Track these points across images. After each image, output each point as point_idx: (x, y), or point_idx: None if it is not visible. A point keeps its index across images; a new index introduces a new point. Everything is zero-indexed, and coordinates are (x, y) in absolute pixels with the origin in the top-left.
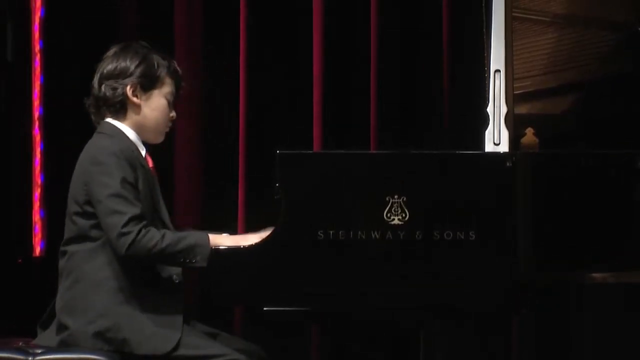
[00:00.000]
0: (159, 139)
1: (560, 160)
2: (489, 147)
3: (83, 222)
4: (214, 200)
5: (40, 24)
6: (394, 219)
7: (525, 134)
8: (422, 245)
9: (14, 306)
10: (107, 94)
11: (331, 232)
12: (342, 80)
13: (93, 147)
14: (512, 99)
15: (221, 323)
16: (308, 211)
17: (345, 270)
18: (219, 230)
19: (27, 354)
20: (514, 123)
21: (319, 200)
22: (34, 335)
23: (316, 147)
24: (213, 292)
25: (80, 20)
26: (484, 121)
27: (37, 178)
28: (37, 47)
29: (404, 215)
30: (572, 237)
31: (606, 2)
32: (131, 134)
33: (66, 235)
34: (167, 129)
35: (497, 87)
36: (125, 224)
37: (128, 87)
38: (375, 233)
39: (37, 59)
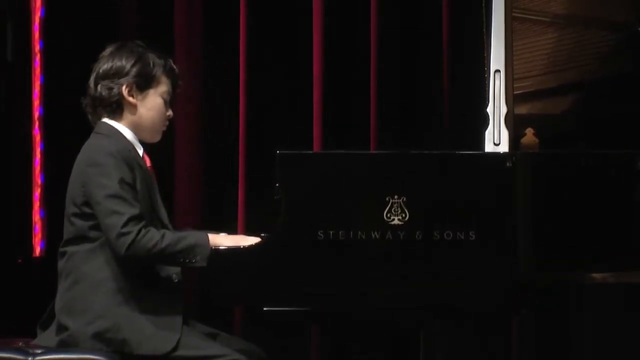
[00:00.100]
0: (156, 138)
1: (560, 160)
2: (489, 147)
3: (81, 223)
4: (214, 200)
5: (40, 24)
6: (394, 219)
7: (525, 134)
8: (422, 246)
9: (14, 306)
10: (103, 94)
11: (331, 232)
12: (342, 81)
13: (90, 147)
14: (512, 99)
15: (221, 323)
16: (308, 211)
17: (345, 270)
18: (219, 230)
19: (27, 354)
20: (514, 123)
21: (319, 200)
22: (34, 335)
23: (316, 147)
24: (213, 292)
25: (80, 20)
26: (484, 121)
27: (37, 178)
28: (37, 47)
29: (404, 215)
30: (572, 237)
31: (606, 2)
32: (128, 133)
33: (65, 236)
34: (164, 128)
35: (497, 87)
36: (125, 224)
37: (124, 87)
38: (375, 233)
39: (37, 59)
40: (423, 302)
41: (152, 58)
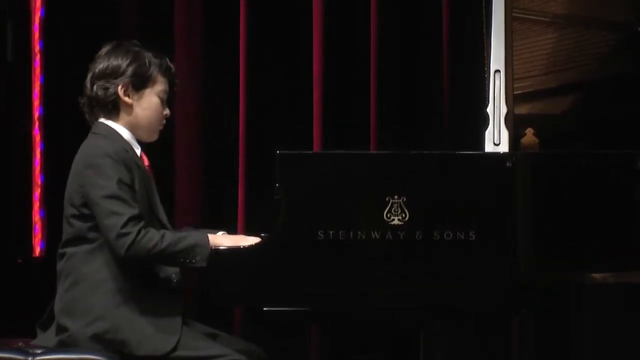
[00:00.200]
0: (153, 137)
1: (560, 160)
2: (489, 147)
3: (80, 224)
4: (214, 200)
5: (40, 24)
6: (394, 219)
7: (525, 134)
8: (422, 246)
9: (14, 306)
10: (100, 94)
11: (331, 232)
12: (342, 81)
13: (87, 148)
14: (512, 99)
15: (221, 323)
16: (308, 211)
17: (345, 270)
18: (218, 229)
19: (27, 354)
20: (514, 123)
21: (319, 200)
22: (34, 336)
23: (316, 147)
24: (213, 293)
25: (80, 20)
26: (484, 121)
27: (37, 178)
28: (37, 47)
29: (404, 215)
30: (572, 237)
31: (606, 2)
32: (125, 133)
33: (64, 237)
34: (161, 127)
35: (497, 87)
36: (124, 225)
37: (119, 87)
38: (375, 233)
39: (37, 59)
40: (423, 302)
41: (148, 57)
